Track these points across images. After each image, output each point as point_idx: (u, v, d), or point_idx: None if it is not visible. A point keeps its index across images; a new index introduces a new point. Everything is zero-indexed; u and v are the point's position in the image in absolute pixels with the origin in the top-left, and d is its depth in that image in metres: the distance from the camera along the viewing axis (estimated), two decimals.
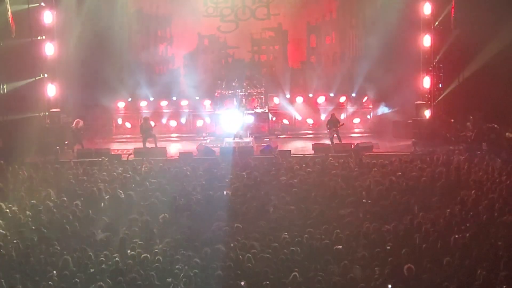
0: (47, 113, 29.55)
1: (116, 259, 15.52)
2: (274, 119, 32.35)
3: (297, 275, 14.44)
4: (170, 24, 33.27)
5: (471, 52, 28.93)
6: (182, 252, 15.85)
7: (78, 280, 14.65)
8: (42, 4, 29.01)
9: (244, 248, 16.06)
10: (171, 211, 19.03)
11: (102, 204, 20.06)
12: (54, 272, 15.17)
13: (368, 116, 32.34)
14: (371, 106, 32.27)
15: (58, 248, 16.43)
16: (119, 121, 32.43)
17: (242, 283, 14.65)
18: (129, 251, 16.25)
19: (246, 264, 15.20)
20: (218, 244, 16.13)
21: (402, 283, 14.27)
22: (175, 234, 17.28)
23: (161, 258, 15.54)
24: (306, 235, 16.68)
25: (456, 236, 16.24)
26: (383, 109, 31.75)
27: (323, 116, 31.89)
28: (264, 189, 20.68)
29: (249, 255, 15.46)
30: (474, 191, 19.58)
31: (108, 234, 17.36)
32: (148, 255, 15.67)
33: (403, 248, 15.56)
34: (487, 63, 28.52)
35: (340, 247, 16.04)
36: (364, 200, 19.58)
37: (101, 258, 15.66)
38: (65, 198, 20.00)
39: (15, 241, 16.76)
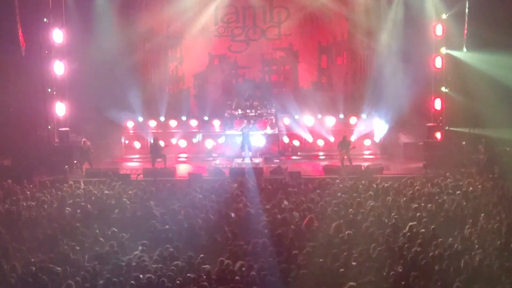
0: (56, 132, 29.46)
1: None
2: (284, 140, 32.10)
3: None
4: (181, 43, 33.26)
5: (482, 73, 28.63)
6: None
7: None
8: (45, 19, 28.85)
9: None
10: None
11: None
12: None
13: (375, 139, 31.91)
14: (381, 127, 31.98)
15: None
16: (128, 140, 32.24)
17: None
18: None
19: None
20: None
21: None
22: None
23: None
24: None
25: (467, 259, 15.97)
26: (382, 125, 31.48)
27: (332, 138, 31.63)
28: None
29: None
30: (483, 214, 19.36)
31: None
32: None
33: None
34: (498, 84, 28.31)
35: (355, 263, 15.80)
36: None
37: None
38: None
39: None
